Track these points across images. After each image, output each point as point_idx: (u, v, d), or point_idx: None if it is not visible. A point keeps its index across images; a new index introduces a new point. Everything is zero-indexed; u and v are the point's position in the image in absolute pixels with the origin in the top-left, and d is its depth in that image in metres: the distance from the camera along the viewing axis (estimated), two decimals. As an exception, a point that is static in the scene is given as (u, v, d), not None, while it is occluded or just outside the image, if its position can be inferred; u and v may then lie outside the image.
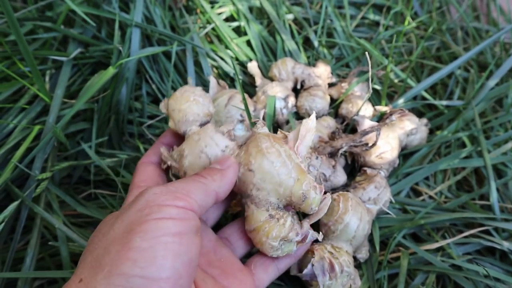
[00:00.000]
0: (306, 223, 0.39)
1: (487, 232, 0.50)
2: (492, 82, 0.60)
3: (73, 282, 0.27)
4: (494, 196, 0.51)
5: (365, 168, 0.52)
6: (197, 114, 0.41)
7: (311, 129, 0.38)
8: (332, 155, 0.50)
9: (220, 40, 0.66)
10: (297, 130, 0.38)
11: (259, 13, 0.69)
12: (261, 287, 0.39)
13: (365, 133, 0.48)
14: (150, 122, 0.57)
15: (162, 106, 0.44)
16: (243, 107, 0.52)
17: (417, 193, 0.56)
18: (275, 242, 0.37)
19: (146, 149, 0.55)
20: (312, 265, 0.42)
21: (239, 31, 0.67)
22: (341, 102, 0.59)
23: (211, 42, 0.66)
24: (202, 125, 0.42)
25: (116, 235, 0.28)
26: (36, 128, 0.48)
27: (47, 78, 0.54)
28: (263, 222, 0.37)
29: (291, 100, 0.56)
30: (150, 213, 0.28)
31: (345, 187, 0.51)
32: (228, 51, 0.64)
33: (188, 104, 0.41)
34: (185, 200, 0.30)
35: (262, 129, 0.39)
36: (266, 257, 0.39)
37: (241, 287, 0.36)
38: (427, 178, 0.56)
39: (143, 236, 0.26)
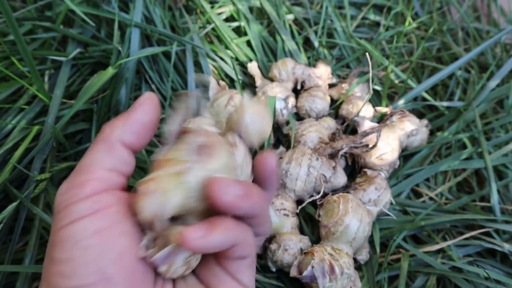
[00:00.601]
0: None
1: (487, 234, 0.50)
2: (493, 83, 0.59)
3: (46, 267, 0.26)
4: (494, 198, 0.51)
5: (365, 170, 0.52)
6: None
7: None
8: (332, 156, 0.50)
9: (220, 40, 0.65)
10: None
11: (259, 13, 0.69)
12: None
13: (366, 134, 0.48)
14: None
15: None
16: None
17: (418, 195, 0.55)
18: None
19: (146, 150, 0.55)
20: (312, 267, 0.42)
21: (239, 31, 0.67)
22: (341, 103, 0.58)
23: (211, 42, 0.65)
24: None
25: (47, 247, 0.26)
26: (35, 128, 0.47)
27: (46, 78, 0.54)
28: None
29: (291, 100, 0.56)
30: (62, 219, 0.25)
31: (345, 188, 0.51)
32: (228, 51, 0.64)
33: None
34: (91, 181, 0.26)
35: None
36: None
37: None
38: (427, 180, 0.56)
39: (61, 248, 0.24)
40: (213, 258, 0.30)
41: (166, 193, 0.25)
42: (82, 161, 0.27)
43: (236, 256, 0.29)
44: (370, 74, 0.52)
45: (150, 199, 0.25)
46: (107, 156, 0.27)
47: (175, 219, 0.27)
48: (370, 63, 0.51)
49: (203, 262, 0.30)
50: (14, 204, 0.42)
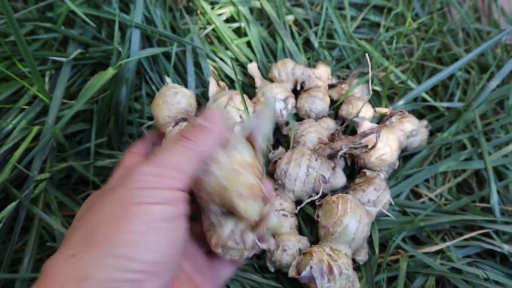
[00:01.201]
0: (247, 233, 0.36)
1: (487, 234, 0.50)
2: (493, 84, 0.59)
3: (62, 256, 0.26)
4: (494, 199, 0.51)
5: (364, 170, 0.52)
6: (167, 116, 0.42)
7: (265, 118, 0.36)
8: (332, 157, 0.50)
9: (220, 41, 0.66)
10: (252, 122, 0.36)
11: (260, 14, 0.69)
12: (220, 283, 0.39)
13: (365, 135, 0.48)
14: (150, 123, 0.57)
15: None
16: (242, 108, 0.52)
17: (417, 195, 0.55)
18: (217, 249, 0.36)
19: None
20: (311, 267, 0.42)
21: (239, 32, 0.67)
22: (341, 104, 0.58)
23: (211, 43, 0.66)
24: (177, 122, 0.42)
25: (109, 213, 0.27)
26: (35, 128, 0.48)
27: (46, 79, 0.54)
28: (206, 229, 0.37)
29: (291, 101, 0.56)
30: (143, 196, 0.28)
31: (345, 189, 0.51)
32: (228, 52, 0.64)
33: (158, 109, 0.42)
34: (176, 178, 0.29)
35: None
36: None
37: (208, 285, 0.36)
38: (427, 180, 0.56)
39: (139, 220, 0.27)
40: None
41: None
42: (174, 156, 0.31)
43: None
44: (370, 75, 0.52)
45: (262, 204, 0.34)
46: (193, 163, 0.31)
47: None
48: (369, 64, 0.51)
49: None
50: (13, 204, 0.42)
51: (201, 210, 0.37)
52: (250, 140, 0.36)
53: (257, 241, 0.36)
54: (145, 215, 0.27)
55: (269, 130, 0.36)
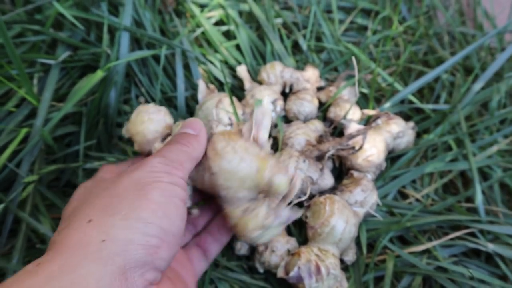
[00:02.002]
0: (282, 206, 0.40)
1: (472, 234, 0.51)
2: (477, 86, 0.60)
3: (82, 221, 0.29)
4: (479, 199, 0.52)
5: (352, 171, 0.52)
6: (155, 131, 0.44)
7: (266, 113, 0.40)
8: (319, 158, 0.50)
9: (209, 44, 0.66)
10: (251, 120, 0.40)
11: (249, 17, 0.69)
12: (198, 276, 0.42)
13: (352, 136, 0.49)
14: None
15: (124, 131, 0.47)
16: (231, 110, 0.52)
17: (404, 196, 0.56)
18: (255, 233, 0.39)
19: (135, 153, 0.55)
20: (299, 267, 0.42)
21: (228, 35, 0.68)
22: (329, 106, 0.59)
23: (200, 45, 0.66)
24: (164, 139, 0.44)
25: (128, 186, 0.31)
26: (23, 131, 0.47)
27: (35, 81, 0.54)
28: (238, 218, 0.39)
29: (280, 103, 0.57)
30: (162, 176, 0.32)
31: (333, 190, 0.51)
32: (217, 55, 0.65)
33: (144, 125, 0.44)
34: (182, 171, 0.34)
35: (217, 128, 0.41)
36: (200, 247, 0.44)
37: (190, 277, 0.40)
38: (414, 181, 0.57)
39: (161, 193, 0.31)
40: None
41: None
42: (178, 156, 0.35)
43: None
44: (356, 78, 0.52)
45: (285, 175, 0.38)
46: (190, 164, 0.36)
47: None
48: (356, 67, 0.52)
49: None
50: (1, 206, 0.42)
51: (222, 206, 0.40)
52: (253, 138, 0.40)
53: (289, 211, 0.40)
54: (162, 190, 0.31)
55: (269, 125, 0.40)
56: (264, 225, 0.39)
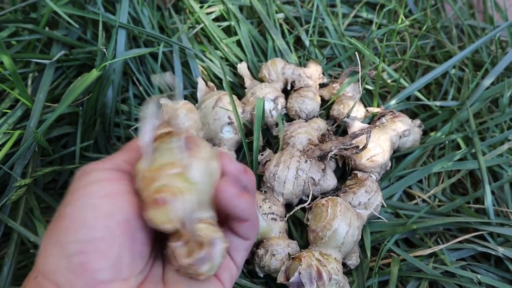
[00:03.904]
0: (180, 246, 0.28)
1: (481, 237, 0.49)
2: (487, 82, 0.58)
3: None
4: (488, 200, 0.50)
5: (356, 172, 0.51)
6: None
7: (148, 115, 0.28)
8: (322, 158, 0.49)
9: (209, 40, 0.64)
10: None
11: (250, 13, 0.68)
12: None
13: (355, 135, 0.47)
14: (137, 125, 0.56)
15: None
16: (231, 108, 0.50)
17: (410, 197, 0.54)
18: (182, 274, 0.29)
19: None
20: (299, 273, 0.41)
21: (229, 31, 0.66)
22: (332, 103, 0.57)
23: (200, 42, 0.64)
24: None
25: (59, 207, 0.27)
26: (17, 133, 0.46)
27: (29, 82, 0.53)
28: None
29: (281, 101, 0.55)
30: (79, 183, 0.27)
31: (335, 191, 0.50)
32: (218, 51, 0.63)
33: None
34: (111, 161, 0.29)
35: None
36: None
37: None
38: (420, 181, 0.55)
39: (73, 204, 0.26)
40: None
41: (184, 195, 0.25)
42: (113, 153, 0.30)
43: (243, 231, 0.31)
44: (360, 74, 0.51)
45: (173, 206, 0.25)
46: (121, 155, 0.30)
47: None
48: (359, 62, 0.50)
49: None
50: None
51: None
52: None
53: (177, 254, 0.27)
54: (78, 199, 0.26)
55: (153, 126, 0.28)
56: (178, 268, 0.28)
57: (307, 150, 0.49)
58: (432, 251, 0.47)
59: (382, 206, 0.49)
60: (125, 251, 0.26)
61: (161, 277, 0.29)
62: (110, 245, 0.25)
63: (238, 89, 0.60)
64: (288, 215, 0.47)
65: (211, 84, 0.58)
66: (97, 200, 0.26)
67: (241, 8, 0.67)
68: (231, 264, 0.32)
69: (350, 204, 0.47)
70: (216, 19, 0.67)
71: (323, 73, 0.60)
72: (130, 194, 0.27)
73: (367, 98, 0.60)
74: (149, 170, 0.27)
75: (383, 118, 0.53)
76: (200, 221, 0.27)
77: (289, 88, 0.59)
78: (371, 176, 0.50)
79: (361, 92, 0.51)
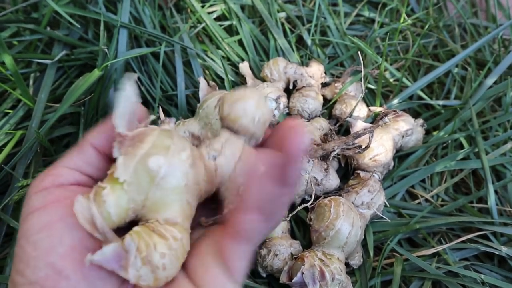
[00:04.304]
0: None
1: (485, 236, 0.49)
2: (490, 80, 0.58)
3: None
4: (492, 200, 0.50)
5: (358, 171, 0.50)
6: None
7: (124, 99, 0.25)
8: (324, 158, 0.49)
9: (211, 39, 0.64)
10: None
11: (251, 12, 0.67)
12: None
13: (358, 135, 0.47)
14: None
15: None
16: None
17: (413, 196, 0.54)
18: None
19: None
20: (302, 273, 0.41)
21: (230, 30, 0.66)
22: (334, 103, 0.57)
23: (202, 42, 0.64)
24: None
25: None
26: (18, 133, 0.46)
27: (31, 82, 0.53)
28: None
29: (283, 101, 0.55)
30: (22, 214, 0.25)
31: (338, 191, 0.49)
32: (219, 51, 0.63)
33: None
34: (48, 176, 0.26)
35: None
36: None
37: None
38: (423, 181, 0.55)
39: (18, 243, 0.25)
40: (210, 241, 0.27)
41: (102, 196, 0.24)
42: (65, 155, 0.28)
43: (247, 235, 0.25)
44: (363, 73, 0.50)
45: (81, 208, 0.23)
46: (74, 156, 0.27)
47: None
48: (362, 61, 0.50)
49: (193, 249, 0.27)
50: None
51: None
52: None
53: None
54: (23, 236, 0.24)
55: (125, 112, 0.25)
56: None
57: (310, 150, 0.49)
58: (435, 250, 0.47)
59: (385, 205, 0.49)
60: (77, 279, 0.24)
61: None
62: (55, 281, 0.24)
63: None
64: (290, 215, 0.47)
65: (213, 83, 0.58)
66: (35, 236, 0.24)
67: (242, 7, 0.67)
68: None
69: (353, 203, 0.47)
70: (217, 19, 0.66)
71: (325, 73, 0.60)
72: (71, 216, 0.24)
73: (369, 98, 0.60)
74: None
75: (386, 117, 0.53)
76: (144, 224, 0.25)
77: (291, 87, 0.58)
78: (373, 175, 0.50)
79: (364, 92, 0.51)
